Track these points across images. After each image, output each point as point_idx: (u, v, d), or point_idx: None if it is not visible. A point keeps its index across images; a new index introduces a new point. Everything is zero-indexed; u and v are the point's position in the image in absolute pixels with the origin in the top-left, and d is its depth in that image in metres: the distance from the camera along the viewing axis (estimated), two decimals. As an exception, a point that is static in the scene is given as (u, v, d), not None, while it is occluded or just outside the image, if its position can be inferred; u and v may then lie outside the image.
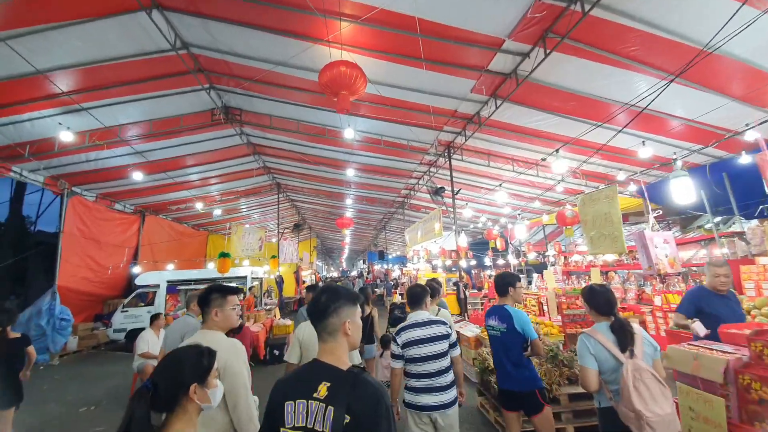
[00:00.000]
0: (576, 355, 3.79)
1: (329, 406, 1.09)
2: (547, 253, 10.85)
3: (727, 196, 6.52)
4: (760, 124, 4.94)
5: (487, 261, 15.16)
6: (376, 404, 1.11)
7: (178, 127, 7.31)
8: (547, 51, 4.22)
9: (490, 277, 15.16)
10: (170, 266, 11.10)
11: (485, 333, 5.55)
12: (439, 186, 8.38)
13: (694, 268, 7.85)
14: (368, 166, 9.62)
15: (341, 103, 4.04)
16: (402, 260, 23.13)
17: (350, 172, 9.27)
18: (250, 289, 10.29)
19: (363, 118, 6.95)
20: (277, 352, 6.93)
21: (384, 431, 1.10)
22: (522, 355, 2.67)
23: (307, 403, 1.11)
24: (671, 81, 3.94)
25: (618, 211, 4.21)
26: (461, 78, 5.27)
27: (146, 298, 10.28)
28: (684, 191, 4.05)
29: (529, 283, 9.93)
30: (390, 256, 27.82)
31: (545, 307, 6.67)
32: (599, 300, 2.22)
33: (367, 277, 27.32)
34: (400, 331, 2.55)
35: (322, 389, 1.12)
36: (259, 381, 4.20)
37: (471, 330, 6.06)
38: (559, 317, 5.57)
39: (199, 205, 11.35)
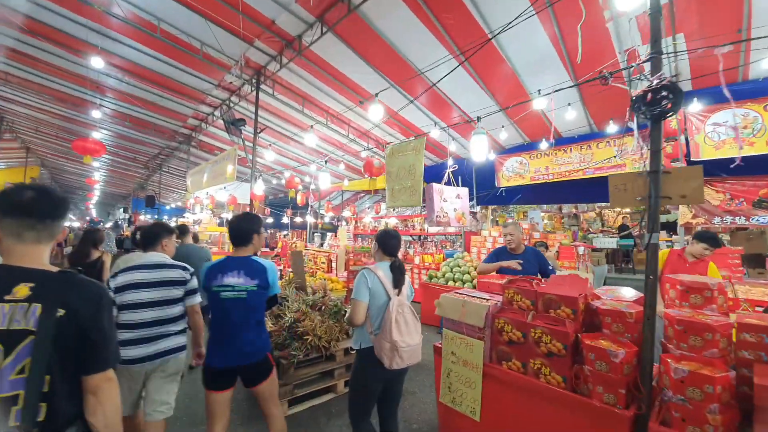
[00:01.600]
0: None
1: (34, 304, 0.97)
2: (342, 216, 11.32)
3: (473, 184, 8.57)
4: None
5: (285, 219, 14.54)
6: (99, 298, 1.08)
7: None
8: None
9: (285, 236, 14.67)
10: None
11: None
12: (238, 117, 6.81)
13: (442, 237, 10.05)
14: (135, 66, 6.70)
15: None
16: (181, 212, 19.12)
17: (97, 64, 6.10)
18: None
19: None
20: None
21: (106, 325, 1.08)
22: (264, 316, 2.21)
23: None
24: (462, 61, 4.41)
25: (422, 165, 4.45)
26: (286, -27, 4.10)
27: None
28: (481, 146, 4.71)
29: (322, 244, 10.08)
30: (167, 207, 22.65)
31: (333, 264, 6.71)
32: (390, 241, 2.28)
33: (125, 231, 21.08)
34: (118, 273, 2.11)
35: (21, 290, 0.98)
36: None
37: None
38: (345, 273, 5.60)
39: None
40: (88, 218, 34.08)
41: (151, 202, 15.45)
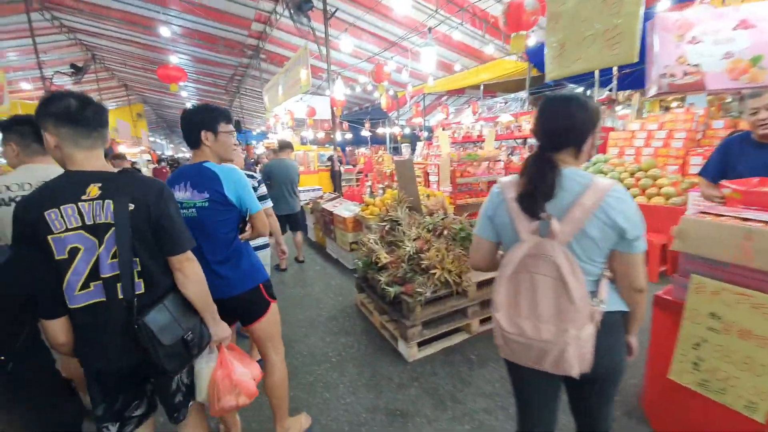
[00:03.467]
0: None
1: (107, 200, 1.08)
2: (427, 124, 9.86)
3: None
4: None
5: (364, 132, 13.71)
6: (161, 190, 1.17)
7: None
8: None
9: (362, 152, 14.07)
10: None
11: (367, 212, 4.28)
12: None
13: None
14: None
15: None
16: (265, 136, 19.69)
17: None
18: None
19: None
20: None
21: (173, 213, 1.18)
22: (236, 242, 1.59)
23: (77, 205, 1.07)
24: None
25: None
26: None
27: None
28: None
29: (413, 150, 9.08)
30: (253, 132, 23.76)
31: (432, 177, 5.82)
32: (542, 116, 1.07)
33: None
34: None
35: (93, 190, 1.09)
36: None
37: (347, 209, 4.73)
38: (450, 187, 4.69)
39: None
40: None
41: (238, 127, 15.90)
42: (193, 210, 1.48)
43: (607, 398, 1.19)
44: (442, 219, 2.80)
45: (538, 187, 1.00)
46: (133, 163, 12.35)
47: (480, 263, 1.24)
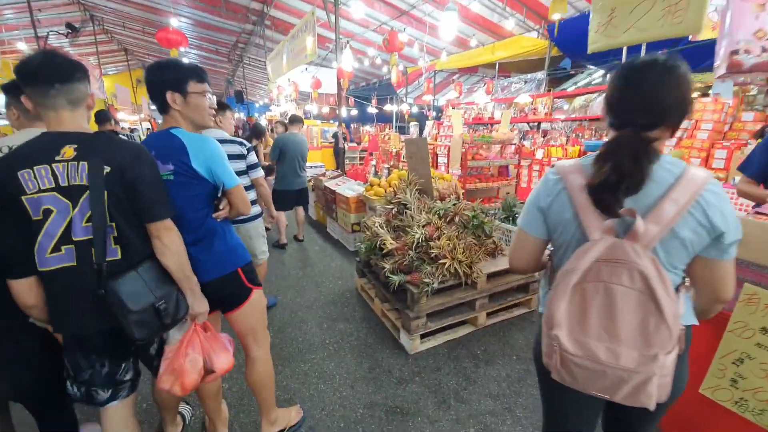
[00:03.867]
0: (488, 218, 2.72)
1: (81, 162, 1.05)
2: (437, 103, 9.47)
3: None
4: None
5: (370, 109, 13.27)
6: (138, 153, 1.12)
7: None
8: None
9: (371, 126, 13.69)
10: None
11: (371, 192, 4.08)
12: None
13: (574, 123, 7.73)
14: None
15: None
16: (267, 108, 19.18)
17: None
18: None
19: None
20: None
21: (150, 179, 1.13)
22: (209, 220, 1.36)
23: (51, 166, 1.04)
24: None
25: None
26: None
27: None
28: None
29: (421, 130, 8.75)
30: (256, 104, 23.21)
31: (441, 159, 5.57)
32: (632, 86, 0.81)
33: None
34: None
35: (67, 151, 1.05)
36: None
37: (351, 188, 4.53)
38: (460, 170, 4.45)
39: None
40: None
41: (240, 98, 15.46)
42: None
43: (655, 422, 1.05)
44: (454, 204, 2.61)
45: (626, 177, 0.77)
46: (132, 130, 12.03)
47: (523, 264, 1.04)
